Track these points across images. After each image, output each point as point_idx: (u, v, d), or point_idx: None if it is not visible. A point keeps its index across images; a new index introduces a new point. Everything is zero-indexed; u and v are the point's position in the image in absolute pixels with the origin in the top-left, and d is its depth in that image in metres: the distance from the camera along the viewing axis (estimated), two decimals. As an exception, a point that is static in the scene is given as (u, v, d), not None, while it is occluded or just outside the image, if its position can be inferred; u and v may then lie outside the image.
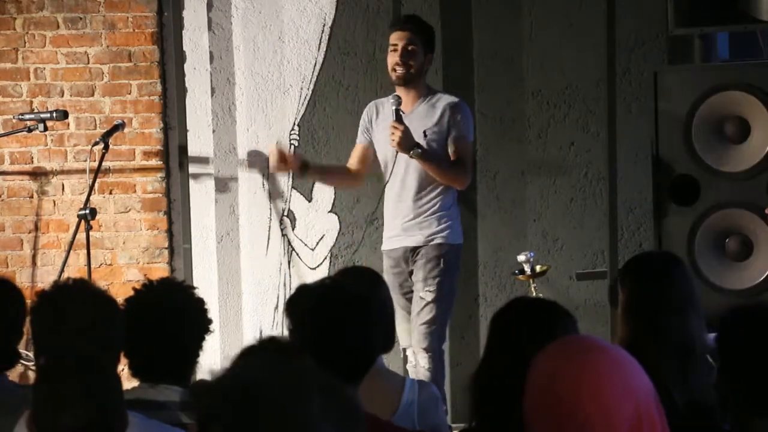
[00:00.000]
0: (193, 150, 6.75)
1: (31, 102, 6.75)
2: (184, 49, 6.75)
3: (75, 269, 6.51)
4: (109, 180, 6.72)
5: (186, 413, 3.35)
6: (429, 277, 5.73)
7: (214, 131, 6.75)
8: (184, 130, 6.75)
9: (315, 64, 6.74)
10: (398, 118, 5.70)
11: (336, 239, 6.76)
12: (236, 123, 6.76)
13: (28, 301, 3.64)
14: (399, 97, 5.77)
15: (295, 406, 1.76)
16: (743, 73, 5.69)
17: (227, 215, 6.76)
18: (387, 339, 3.77)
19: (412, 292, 5.80)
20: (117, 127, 6.49)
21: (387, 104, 5.83)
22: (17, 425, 2.89)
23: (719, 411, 3.20)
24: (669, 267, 3.63)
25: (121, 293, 4.05)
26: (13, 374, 3.89)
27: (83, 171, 6.47)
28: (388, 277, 5.70)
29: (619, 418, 2.17)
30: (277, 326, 6.72)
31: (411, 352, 5.82)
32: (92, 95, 6.74)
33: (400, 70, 5.82)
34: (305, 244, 6.78)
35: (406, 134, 5.66)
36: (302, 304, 3.15)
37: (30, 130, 6.50)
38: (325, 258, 6.77)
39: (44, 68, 6.74)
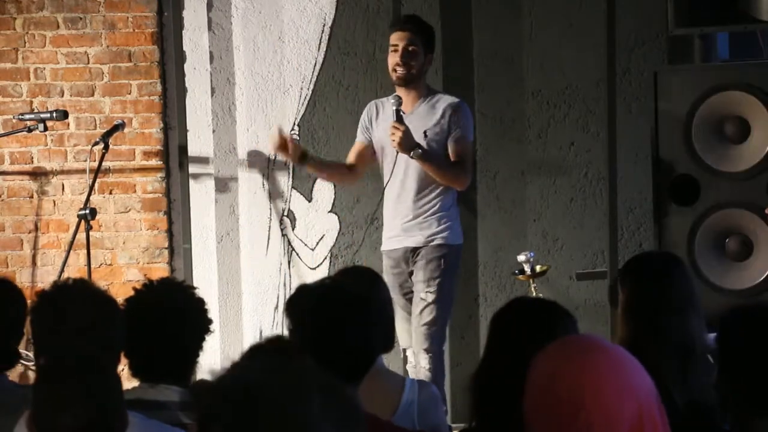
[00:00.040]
0: (193, 150, 6.75)
1: (31, 102, 6.74)
2: (184, 49, 6.75)
3: (75, 269, 6.51)
4: (109, 180, 6.72)
5: (186, 413, 3.35)
6: (430, 278, 5.72)
7: (214, 131, 6.75)
8: (184, 130, 6.75)
9: (315, 64, 6.74)
10: (399, 119, 5.70)
11: (336, 239, 6.76)
12: (236, 123, 6.75)
13: (28, 301, 3.65)
14: (399, 98, 5.77)
15: (295, 406, 1.76)
16: (743, 73, 5.68)
17: (227, 215, 6.76)
18: (387, 339, 3.77)
19: (412, 292, 5.79)
20: (117, 127, 6.49)
21: (387, 104, 5.82)
22: (17, 425, 2.89)
23: (719, 411, 3.20)
24: (669, 267, 3.63)
25: (121, 293, 4.05)
26: (13, 374, 3.89)
27: (83, 171, 6.47)
28: (388, 277, 5.70)
29: (619, 418, 2.17)
30: (277, 326, 6.71)
31: (411, 353, 5.82)
32: (92, 95, 6.74)
33: (400, 70, 5.81)
34: (305, 244, 6.78)
35: (407, 135, 5.66)
36: (302, 304, 3.15)
37: (30, 130, 6.50)
38: (325, 258, 6.76)
39: (44, 68, 6.74)
